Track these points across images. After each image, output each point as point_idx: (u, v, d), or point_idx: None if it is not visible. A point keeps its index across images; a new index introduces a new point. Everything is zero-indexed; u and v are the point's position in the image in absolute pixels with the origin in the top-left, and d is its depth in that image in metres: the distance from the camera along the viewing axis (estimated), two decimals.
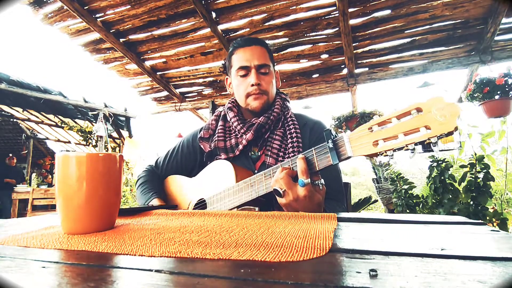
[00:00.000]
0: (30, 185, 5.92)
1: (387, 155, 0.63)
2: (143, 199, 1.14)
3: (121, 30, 3.34)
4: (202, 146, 1.16)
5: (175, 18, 3.13)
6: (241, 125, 1.09)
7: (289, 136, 1.05)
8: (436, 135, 0.56)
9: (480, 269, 0.28)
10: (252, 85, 1.06)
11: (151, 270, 0.30)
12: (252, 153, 1.09)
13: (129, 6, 2.98)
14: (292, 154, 0.99)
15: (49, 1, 2.97)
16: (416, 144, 0.59)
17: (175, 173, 1.23)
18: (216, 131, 1.15)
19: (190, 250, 0.37)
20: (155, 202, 1.09)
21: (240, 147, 1.06)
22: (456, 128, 0.54)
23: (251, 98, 1.07)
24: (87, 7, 2.99)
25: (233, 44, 1.14)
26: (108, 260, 0.35)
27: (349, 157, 0.68)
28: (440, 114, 0.55)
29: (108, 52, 3.71)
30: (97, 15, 3.13)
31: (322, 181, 0.77)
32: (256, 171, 1.04)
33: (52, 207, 5.68)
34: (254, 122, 1.07)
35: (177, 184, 1.19)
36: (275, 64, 1.19)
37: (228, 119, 1.14)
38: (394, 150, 0.61)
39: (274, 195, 0.78)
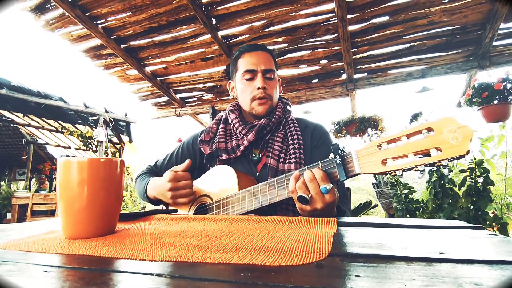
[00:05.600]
0: (29, 190, 5.90)
1: (395, 175, 0.61)
2: (142, 185, 1.14)
3: (122, 36, 3.36)
4: (202, 149, 1.17)
5: (175, 25, 3.16)
6: (242, 126, 1.09)
7: (290, 138, 1.05)
8: (447, 158, 0.54)
9: (477, 272, 0.28)
10: (258, 88, 1.07)
11: (152, 274, 0.31)
12: (253, 155, 1.09)
13: (130, 13, 3.02)
14: (293, 156, 1.00)
15: (50, 8, 3.00)
16: (426, 165, 0.57)
17: None
18: (217, 134, 1.16)
19: (190, 254, 0.37)
20: (155, 179, 1.09)
21: (242, 147, 1.06)
22: (468, 152, 0.52)
23: (256, 102, 1.08)
24: (88, 13, 3.02)
25: (239, 49, 1.16)
26: (109, 264, 0.35)
27: (357, 174, 0.67)
28: (452, 136, 0.54)
29: (109, 58, 3.74)
30: (99, 22, 3.16)
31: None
32: (257, 174, 1.05)
33: (52, 213, 5.66)
34: (255, 123, 1.08)
35: None
36: (278, 69, 1.21)
37: (230, 121, 1.15)
38: (403, 170, 0.60)
39: (276, 205, 0.77)
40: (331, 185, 0.69)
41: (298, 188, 0.72)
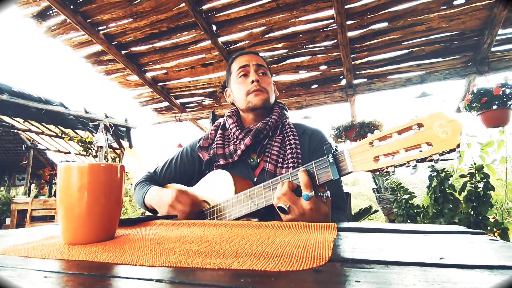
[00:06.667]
0: (29, 196, 5.88)
1: (388, 171, 0.62)
2: (140, 193, 1.12)
3: (123, 42, 3.39)
4: (201, 155, 1.17)
5: (176, 31, 3.19)
6: (239, 130, 1.10)
7: (287, 142, 1.05)
8: (438, 152, 0.54)
9: (477, 277, 0.28)
10: (252, 81, 1.09)
11: (151, 280, 0.31)
12: (251, 160, 1.09)
13: (131, 19, 3.04)
14: (291, 161, 1.00)
15: (52, 14, 3.02)
16: (417, 161, 0.58)
17: (173, 181, 1.23)
18: (215, 140, 1.16)
19: (190, 260, 0.37)
20: (153, 188, 1.07)
21: (239, 152, 1.07)
22: (458, 145, 0.53)
23: (252, 95, 1.09)
24: (89, 20, 3.05)
25: (231, 57, 1.21)
26: (109, 270, 0.35)
27: (350, 172, 0.67)
28: (442, 131, 0.54)
29: (109, 63, 3.76)
30: (100, 28, 3.18)
31: (328, 193, 0.75)
32: (255, 178, 1.04)
33: (51, 218, 5.64)
34: (252, 127, 1.08)
35: None
36: (272, 75, 1.22)
37: (227, 126, 1.16)
38: (395, 167, 0.60)
39: (273, 207, 0.78)
40: (313, 192, 0.71)
41: (278, 198, 0.75)
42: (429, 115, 0.57)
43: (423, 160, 0.57)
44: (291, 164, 0.99)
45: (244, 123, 1.18)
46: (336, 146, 0.73)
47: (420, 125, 0.58)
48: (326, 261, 0.35)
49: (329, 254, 0.38)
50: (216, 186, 0.99)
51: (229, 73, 1.20)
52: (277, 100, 1.22)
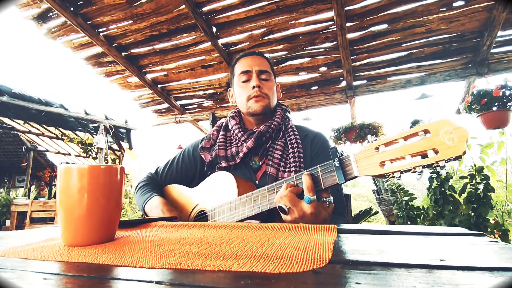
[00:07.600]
0: (29, 197, 5.88)
1: (393, 176, 0.62)
2: (142, 199, 1.12)
3: (123, 44, 3.40)
4: (203, 156, 1.17)
5: (176, 33, 3.19)
6: (242, 132, 1.10)
7: (290, 146, 1.05)
8: (444, 159, 0.54)
9: (478, 279, 0.28)
10: (253, 87, 1.08)
11: (151, 282, 0.30)
12: (253, 162, 1.09)
13: (132, 21, 3.05)
14: (293, 165, 0.99)
15: (53, 16, 3.03)
16: (423, 167, 0.58)
17: (174, 182, 1.22)
18: (217, 141, 1.16)
19: (190, 262, 0.37)
20: (155, 199, 1.07)
21: (241, 154, 1.06)
22: (464, 153, 0.53)
23: (252, 100, 1.09)
24: (90, 22, 3.05)
25: (236, 57, 1.20)
26: (108, 272, 0.35)
27: (355, 177, 0.67)
28: (448, 138, 0.54)
29: (110, 65, 3.77)
30: (100, 30, 3.19)
31: (331, 198, 0.74)
32: (257, 181, 1.04)
33: (51, 220, 5.63)
34: (255, 130, 1.08)
35: (177, 193, 1.18)
36: (276, 76, 1.22)
37: (230, 127, 1.16)
38: (401, 172, 0.60)
39: (277, 210, 0.78)
40: (315, 196, 0.71)
41: (280, 198, 0.76)
42: (436, 121, 0.57)
43: (429, 166, 0.57)
44: (293, 168, 0.99)
45: (247, 124, 1.18)
46: (342, 150, 0.73)
47: (426, 132, 0.58)
48: (326, 263, 0.35)
49: (329, 256, 0.38)
50: (219, 188, 0.99)
51: (232, 74, 1.20)
52: (280, 102, 1.22)
